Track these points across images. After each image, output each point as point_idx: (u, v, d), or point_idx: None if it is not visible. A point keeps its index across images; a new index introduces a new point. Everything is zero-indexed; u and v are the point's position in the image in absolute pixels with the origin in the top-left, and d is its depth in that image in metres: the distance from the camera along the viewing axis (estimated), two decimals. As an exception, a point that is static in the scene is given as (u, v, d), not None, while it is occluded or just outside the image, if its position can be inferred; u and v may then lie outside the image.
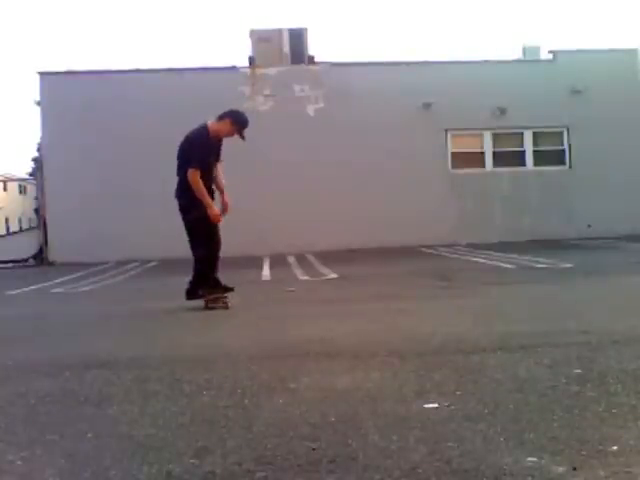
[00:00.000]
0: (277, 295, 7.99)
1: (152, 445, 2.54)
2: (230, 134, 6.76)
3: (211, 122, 6.81)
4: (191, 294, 6.83)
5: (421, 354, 3.97)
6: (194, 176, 6.63)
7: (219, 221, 6.68)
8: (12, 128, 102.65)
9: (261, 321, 5.86)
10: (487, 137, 17.90)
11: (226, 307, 6.63)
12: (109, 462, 2.38)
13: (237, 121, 6.71)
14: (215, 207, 6.68)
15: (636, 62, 18.21)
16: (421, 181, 17.09)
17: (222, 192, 6.94)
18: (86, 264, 14.23)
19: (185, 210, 6.88)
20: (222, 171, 7.03)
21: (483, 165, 17.99)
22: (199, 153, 6.71)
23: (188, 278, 6.93)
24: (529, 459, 2.24)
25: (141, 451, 2.48)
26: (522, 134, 18.00)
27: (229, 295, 6.80)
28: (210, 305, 6.65)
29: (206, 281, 6.76)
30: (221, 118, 6.76)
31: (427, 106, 17.22)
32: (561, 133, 18.12)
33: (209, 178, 6.77)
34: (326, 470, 2.22)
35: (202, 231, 6.73)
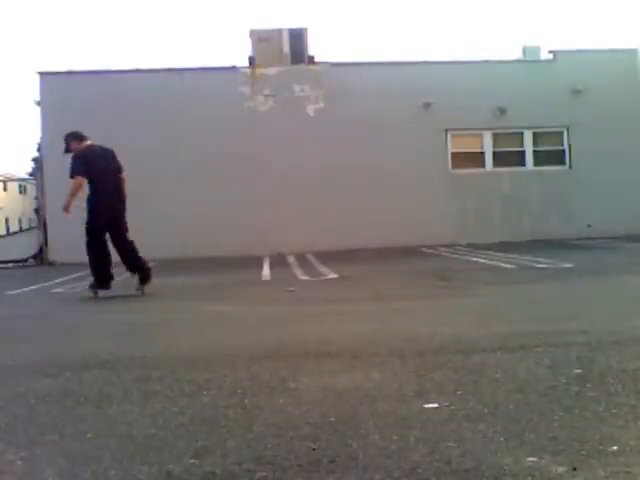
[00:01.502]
0: (277, 295, 7.99)
1: (152, 445, 2.54)
2: None
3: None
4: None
5: (421, 354, 3.96)
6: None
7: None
8: (12, 128, 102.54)
9: (261, 321, 5.86)
10: (487, 137, 17.90)
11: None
12: (109, 462, 2.38)
13: None
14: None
15: (636, 62, 18.20)
16: (421, 181, 17.09)
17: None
18: (86, 264, 14.19)
19: (123, 211, 8.91)
20: None
21: (483, 165, 17.99)
22: None
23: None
24: (529, 459, 2.24)
25: (141, 451, 2.48)
26: (522, 134, 17.99)
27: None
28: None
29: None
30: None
31: (427, 106, 17.22)
32: (561, 133, 18.11)
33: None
34: (326, 470, 2.22)
35: None
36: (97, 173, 8.60)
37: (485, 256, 12.66)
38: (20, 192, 56.56)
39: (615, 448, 2.31)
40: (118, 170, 9.06)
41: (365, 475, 2.17)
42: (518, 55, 19.46)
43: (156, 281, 8.99)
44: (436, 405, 2.91)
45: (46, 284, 10.87)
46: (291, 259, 13.93)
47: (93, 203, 8.49)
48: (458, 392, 3.10)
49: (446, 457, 2.28)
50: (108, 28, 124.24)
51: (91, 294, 8.46)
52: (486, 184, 17.68)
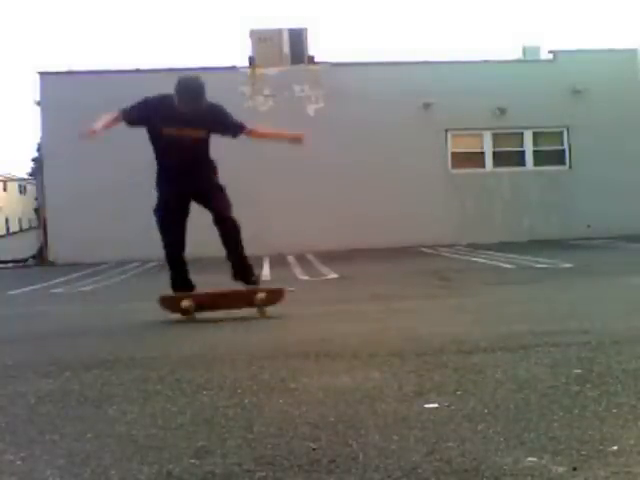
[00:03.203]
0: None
1: (152, 445, 2.54)
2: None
3: None
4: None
5: (421, 354, 3.96)
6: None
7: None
8: (12, 128, 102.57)
9: (261, 321, 5.85)
10: (487, 137, 17.92)
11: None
12: (109, 462, 2.37)
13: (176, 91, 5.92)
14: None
15: (636, 62, 18.21)
16: (421, 181, 17.09)
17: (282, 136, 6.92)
18: (86, 264, 14.23)
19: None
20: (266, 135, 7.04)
21: (483, 165, 18.00)
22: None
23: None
24: (529, 459, 2.24)
25: (141, 451, 2.48)
26: (522, 134, 18.01)
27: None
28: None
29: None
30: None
31: (427, 106, 17.23)
32: (561, 133, 18.12)
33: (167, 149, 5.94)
34: (326, 470, 2.22)
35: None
36: None
37: (485, 256, 12.66)
38: (20, 192, 56.54)
39: (615, 448, 2.30)
40: None
41: (365, 475, 2.16)
42: (518, 55, 19.48)
43: (156, 282, 8.99)
44: (436, 405, 2.90)
45: (46, 284, 10.87)
46: (291, 259, 13.92)
47: None
48: (458, 392, 3.10)
49: (446, 457, 2.28)
50: (108, 28, 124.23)
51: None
52: (486, 184, 17.69)
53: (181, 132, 5.84)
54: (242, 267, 6.19)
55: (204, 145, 6.02)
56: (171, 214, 5.99)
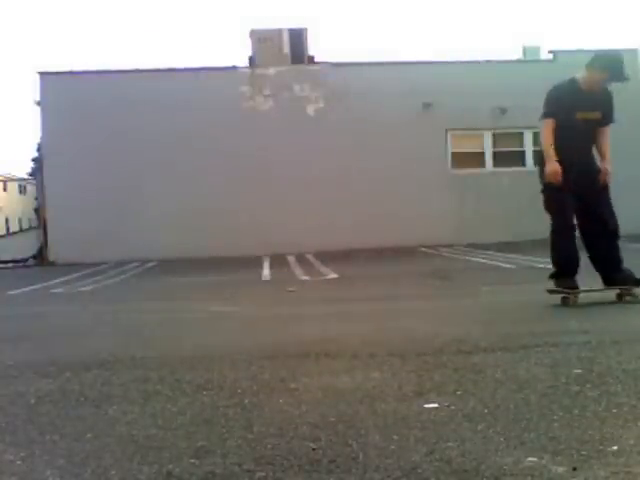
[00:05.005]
0: (277, 295, 7.98)
1: (152, 445, 2.54)
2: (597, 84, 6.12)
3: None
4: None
5: (421, 354, 3.96)
6: (543, 128, 6.21)
7: (555, 180, 5.97)
8: (12, 128, 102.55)
9: (261, 321, 5.86)
10: (487, 137, 17.91)
11: (567, 302, 5.94)
12: (109, 462, 2.37)
13: (605, 67, 6.08)
14: (554, 162, 5.92)
15: (636, 62, 18.20)
16: (421, 181, 17.09)
17: (603, 157, 6.31)
18: (86, 264, 14.23)
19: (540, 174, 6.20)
20: (606, 135, 6.36)
21: (483, 165, 18.00)
22: (550, 104, 6.36)
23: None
24: (529, 459, 2.24)
25: (141, 451, 2.48)
26: (522, 134, 18.00)
27: None
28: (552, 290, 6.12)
29: (553, 264, 6.41)
30: (588, 65, 6.32)
31: (427, 106, 17.22)
32: (561, 133, 18.12)
33: (572, 136, 6.00)
34: (326, 470, 2.22)
35: (547, 198, 6.31)
36: None
37: (485, 256, 12.65)
38: (20, 192, 56.53)
39: (615, 448, 2.30)
40: None
41: (365, 475, 2.16)
42: (518, 55, 19.48)
43: (156, 282, 8.99)
44: (436, 405, 2.90)
45: (46, 284, 10.87)
46: (291, 259, 13.93)
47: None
48: (458, 392, 3.10)
49: (446, 457, 2.28)
50: (108, 28, 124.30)
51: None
52: (486, 184, 17.68)
53: (586, 115, 6.05)
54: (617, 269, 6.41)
55: (598, 129, 6.17)
56: (563, 196, 6.07)
